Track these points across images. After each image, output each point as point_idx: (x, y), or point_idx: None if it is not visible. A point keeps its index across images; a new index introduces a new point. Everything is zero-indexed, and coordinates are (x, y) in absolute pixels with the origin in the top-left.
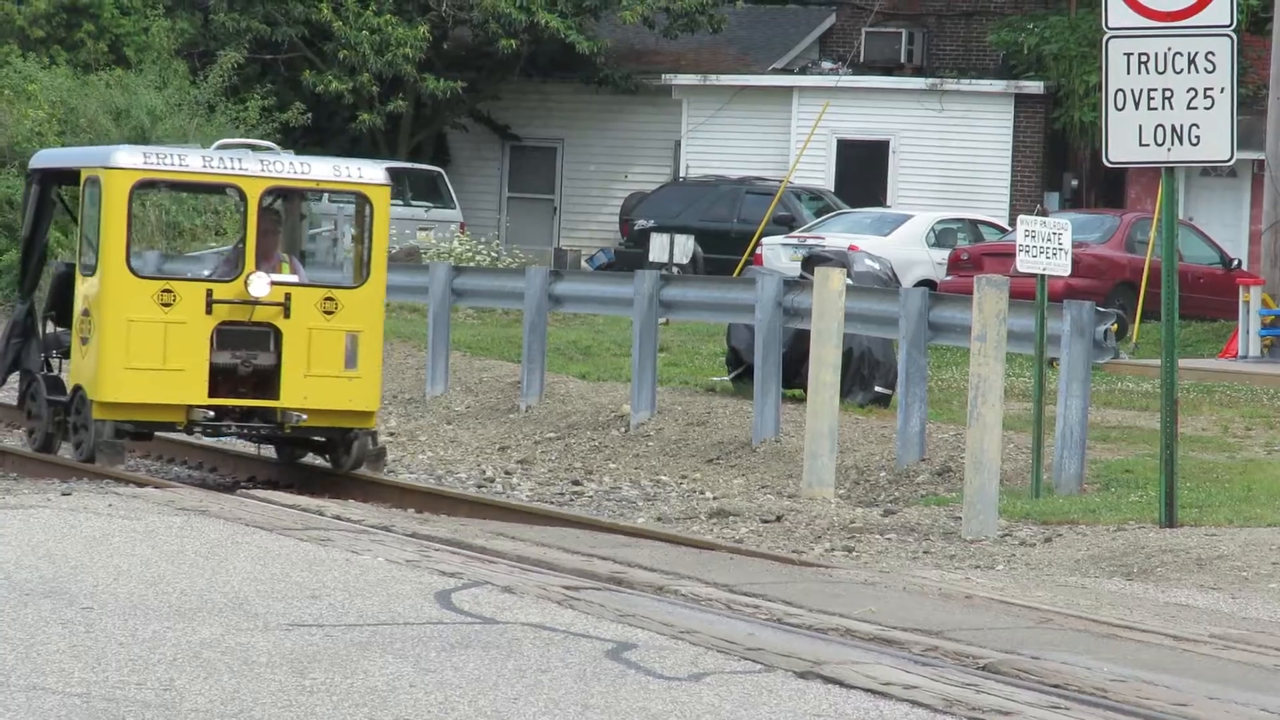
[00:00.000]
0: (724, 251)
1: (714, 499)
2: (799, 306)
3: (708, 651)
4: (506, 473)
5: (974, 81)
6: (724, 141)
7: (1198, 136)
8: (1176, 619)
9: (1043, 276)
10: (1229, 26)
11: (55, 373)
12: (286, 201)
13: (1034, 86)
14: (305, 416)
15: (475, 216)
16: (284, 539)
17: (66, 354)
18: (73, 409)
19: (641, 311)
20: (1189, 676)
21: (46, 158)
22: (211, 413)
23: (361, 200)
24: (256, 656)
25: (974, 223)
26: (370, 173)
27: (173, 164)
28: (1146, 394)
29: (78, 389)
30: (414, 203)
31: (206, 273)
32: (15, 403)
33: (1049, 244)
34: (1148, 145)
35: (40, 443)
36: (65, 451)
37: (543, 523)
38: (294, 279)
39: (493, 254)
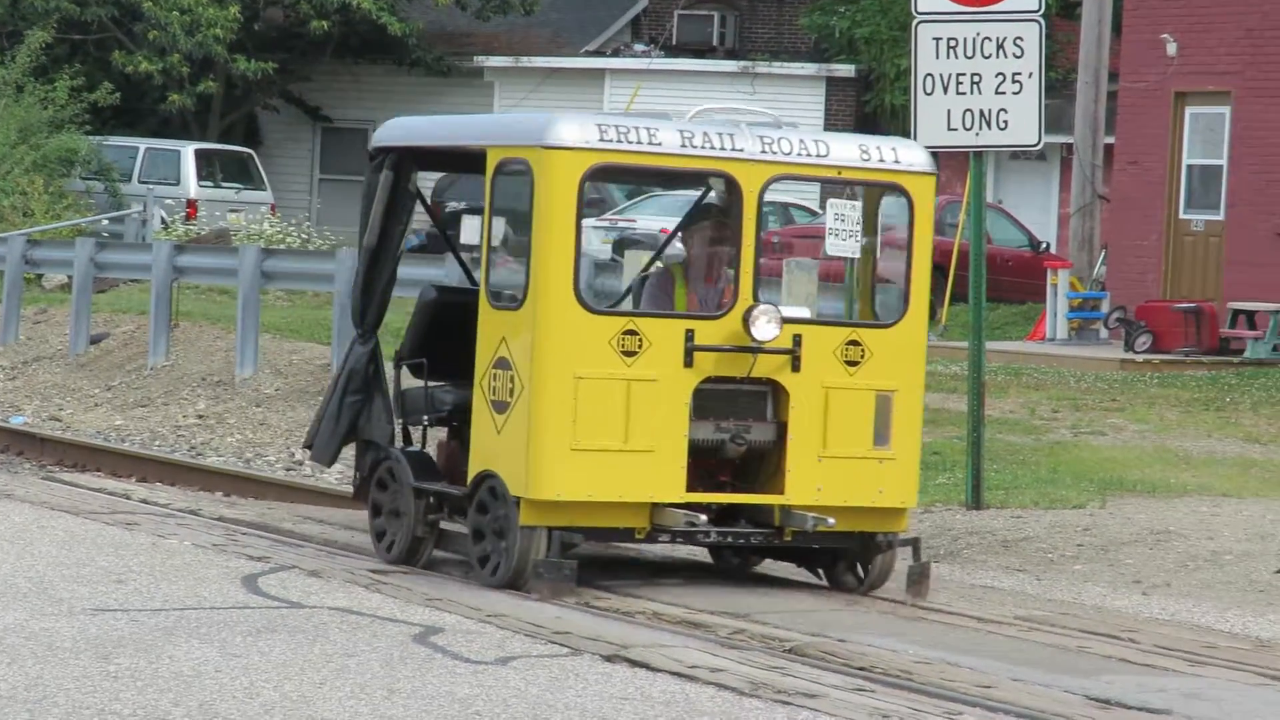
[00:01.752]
0: None
1: None
2: (609, 290)
3: (515, 635)
4: None
5: (786, 64)
6: None
7: (1006, 121)
8: (982, 601)
9: (852, 260)
10: (1037, 12)
11: (420, 447)
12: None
13: (846, 70)
14: (833, 521)
15: (286, 198)
16: (90, 523)
17: (443, 420)
18: (472, 507)
19: None
20: (993, 658)
21: (407, 130)
22: (702, 517)
23: (889, 192)
24: (61, 642)
25: (785, 205)
26: (910, 155)
27: (639, 142)
28: (955, 376)
29: (485, 477)
30: (224, 184)
31: None
32: (351, 488)
33: (858, 228)
34: (956, 130)
35: (401, 550)
36: (440, 563)
37: (352, 506)
38: (805, 314)
39: (303, 236)
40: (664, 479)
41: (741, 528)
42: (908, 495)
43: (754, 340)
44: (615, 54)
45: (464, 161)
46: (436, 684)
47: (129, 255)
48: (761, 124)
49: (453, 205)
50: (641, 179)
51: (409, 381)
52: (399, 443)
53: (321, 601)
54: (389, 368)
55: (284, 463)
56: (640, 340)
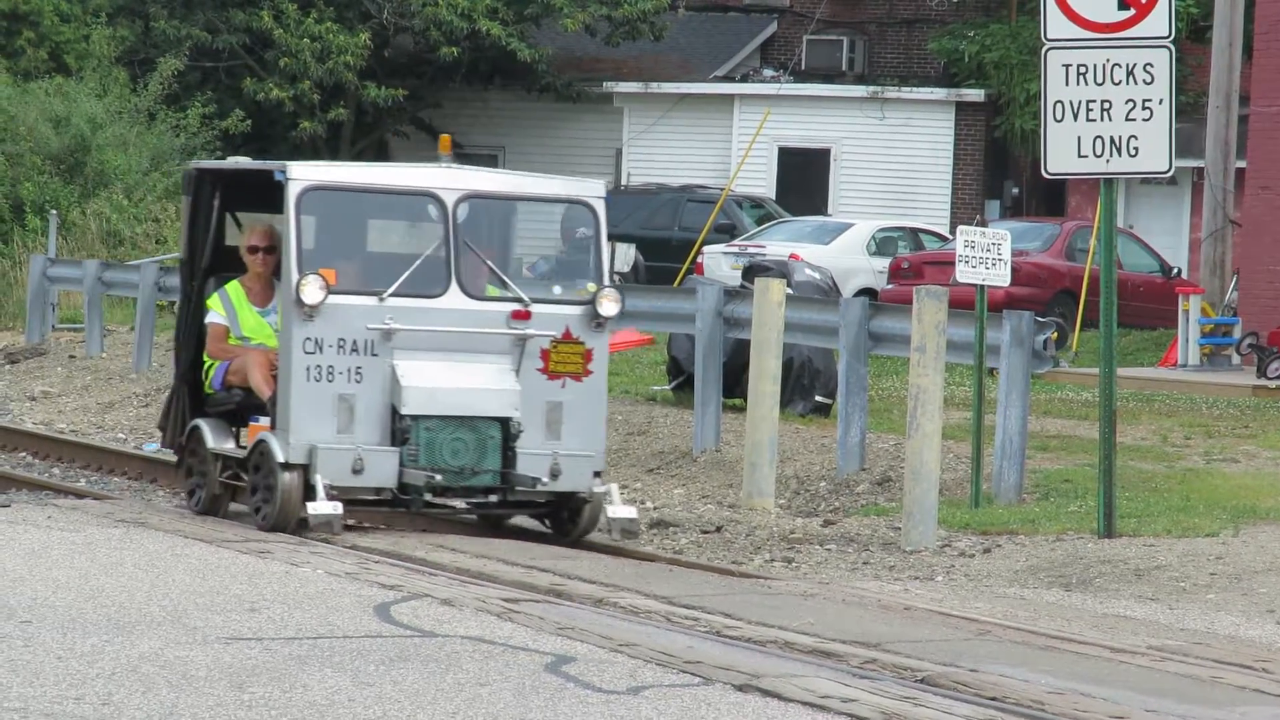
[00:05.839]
0: (665, 259)
1: (654, 509)
2: (739, 316)
3: (647, 664)
4: None
5: (915, 89)
6: (665, 149)
7: (1136, 148)
8: (1114, 630)
9: (982, 287)
10: (1167, 38)
11: None
12: None
13: (975, 94)
14: None
15: None
16: (223, 551)
17: None
18: None
19: None
20: (1126, 688)
21: None
22: None
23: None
24: (195, 670)
25: (915, 231)
26: None
27: None
28: (1086, 403)
29: None
30: None
31: None
32: None
33: (988, 254)
34: (1086, 157)
35: None
36: None
37: (482, 534)
38: None
39: None
40: None
41: None
42: None
43: None
44: (744, 79)
45: None
46: (569, 713)
47: None
48: None
49: (582, 232)
50: None
51: None
52: None
53: (454, 630)
54: None
55: None
56: None
